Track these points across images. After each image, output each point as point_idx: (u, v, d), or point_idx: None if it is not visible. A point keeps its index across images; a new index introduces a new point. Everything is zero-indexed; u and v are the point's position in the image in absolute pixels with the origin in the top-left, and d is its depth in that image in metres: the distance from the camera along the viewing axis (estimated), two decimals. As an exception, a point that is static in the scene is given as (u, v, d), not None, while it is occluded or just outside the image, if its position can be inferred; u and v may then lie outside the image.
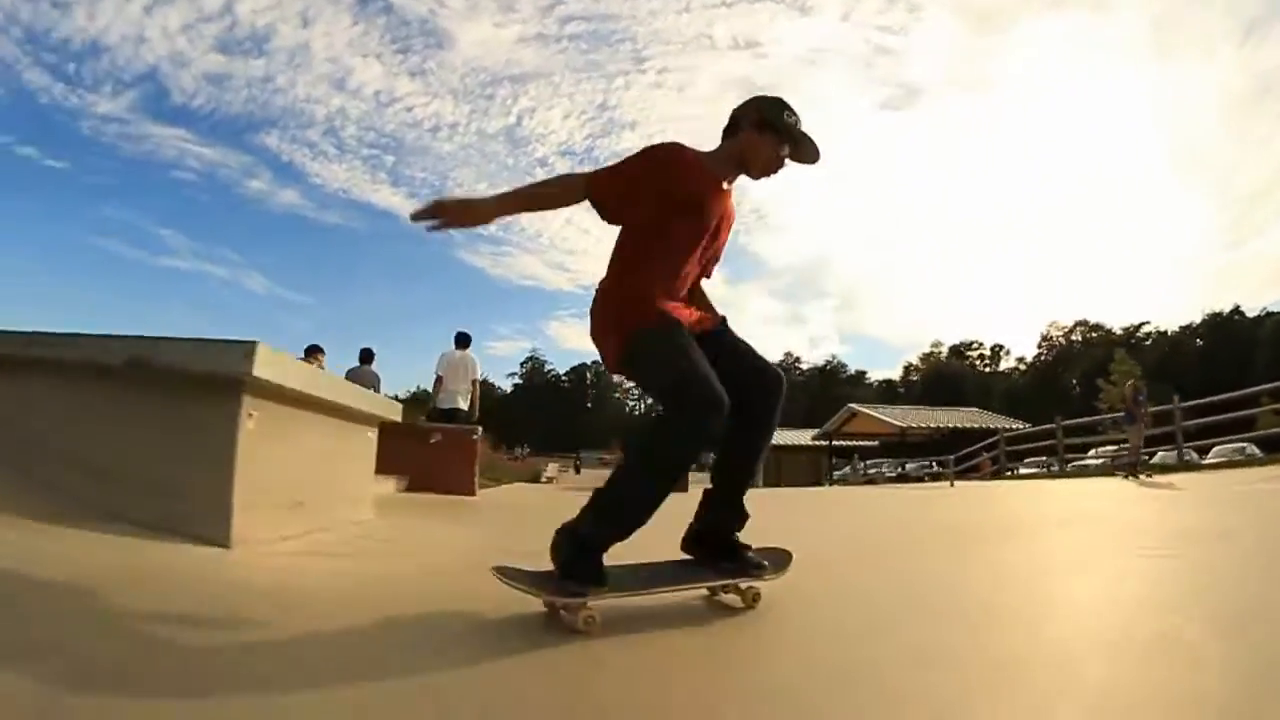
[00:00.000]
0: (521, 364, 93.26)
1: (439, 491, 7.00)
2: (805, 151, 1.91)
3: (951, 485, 11.30)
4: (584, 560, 1.63)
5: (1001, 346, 79.22)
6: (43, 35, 75.79)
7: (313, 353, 7.96)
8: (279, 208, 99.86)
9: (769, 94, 1.92)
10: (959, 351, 79.69)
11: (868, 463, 22.24)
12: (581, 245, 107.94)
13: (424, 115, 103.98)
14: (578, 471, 38.20)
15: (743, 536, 1.92)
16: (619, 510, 1.66)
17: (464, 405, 8.33)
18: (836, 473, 21.03)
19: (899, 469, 21.96)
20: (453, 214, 1.70)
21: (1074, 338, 70.54)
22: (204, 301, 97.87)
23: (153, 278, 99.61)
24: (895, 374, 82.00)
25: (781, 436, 36.87)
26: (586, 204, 1.83)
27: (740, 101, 1.93)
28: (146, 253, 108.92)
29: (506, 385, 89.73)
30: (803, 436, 34.06)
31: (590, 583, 1.60)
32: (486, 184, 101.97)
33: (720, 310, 2.05)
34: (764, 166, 1.88)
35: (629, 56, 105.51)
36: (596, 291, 1.88)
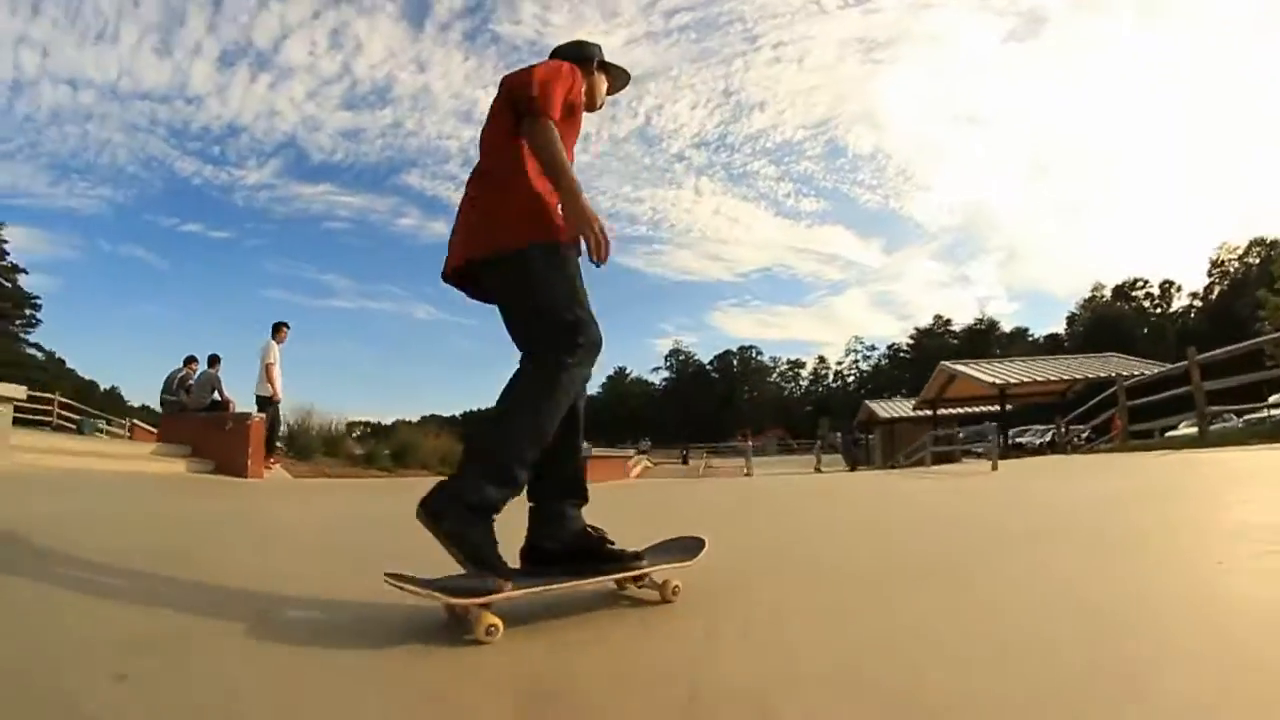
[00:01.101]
0: (666, 358, 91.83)
1: (227, 474, 7.32)
2: (622, 79, 2.05)
3: (994, 468, 7.56)
4: (486, 537, 1.51)
5: (1171, 283, 66.28)
6: (184, 129, 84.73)
7: (189, 362, 9.13)
8: (431, 239, 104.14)
9: (582, 39, 1.98)
10: (1123, 293, 67.70)
11: (1011, 431, 16.94)
12: (733, 234, 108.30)
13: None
14: (685, 463, 35.73)
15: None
16: (507, 465, 1.53)
17: (263, 391, 8.34)
18: (978, 446, 15.51)
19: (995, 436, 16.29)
20: (589, 228, 1.61)
21: (1249, 259, 56.79)
22: (375, 335, 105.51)
23: (322, 319, 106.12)
24: (1061, 327, 70.88)
25: (892, 408, 32.20)
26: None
27: (564, 43, 1.96)
28: (312, 298, 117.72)
29: (656, 380, 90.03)
30: (906, 406, 29.54)
31: (502, 575, 1.46)
32: (629, 187, 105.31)
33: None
34: (601, 102, 2.00)
35: (741, 37, 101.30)
36: (480, 185, 1.76)
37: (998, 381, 19.88)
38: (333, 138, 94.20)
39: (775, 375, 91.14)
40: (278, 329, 8.43)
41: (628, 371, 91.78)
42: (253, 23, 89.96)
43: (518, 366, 1.62)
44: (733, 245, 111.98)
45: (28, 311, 31.07)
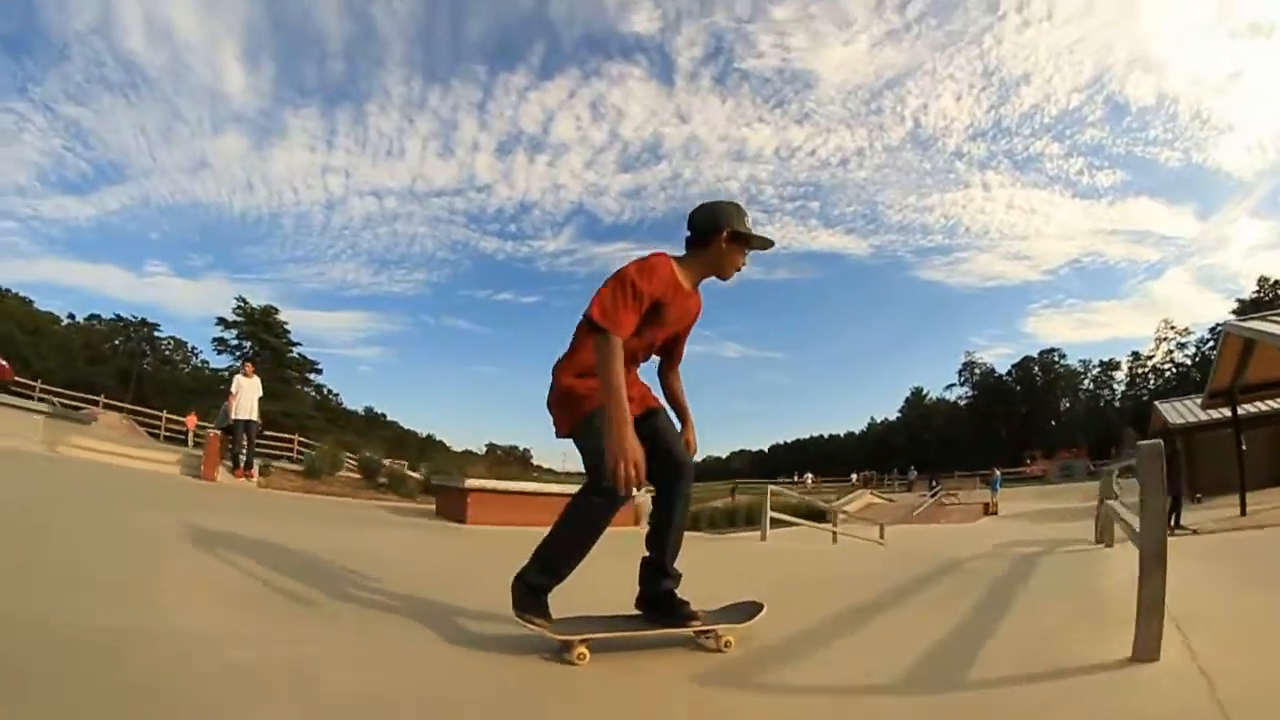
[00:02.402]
0: (960, 373, 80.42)
1: (206, 479, 9.30)
2: (759, 245, 2.38)
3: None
4: (533, 598, 2.20)
5: None
6: (479, 214, 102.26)
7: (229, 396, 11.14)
8: (734, 279, 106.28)
9: (727, 201, 2.38)
10: None
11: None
12: (1031, 227, 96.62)
13: (827, 154, 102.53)
14: (933, 495, 29.83)
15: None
16: (553, 562, 2.22)
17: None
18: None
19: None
20: (620, 457, 1.96)
21: None
22: (689, 374, 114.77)
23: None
24: None
25: (1187, 411, 22.76)
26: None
27: (700, 206, 2.38)
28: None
29: (951, 397, 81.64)
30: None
31: (541, 616, 2.17)
32: (914, 197, 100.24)
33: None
34: (735, 270, 2.38)
35: (982, 9, 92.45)
36: (557, 365, 2.30)
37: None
38: (617, 199, 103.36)
39: (1088, 381, 73.91)
40: (242, 365, 10.85)
41: (925, 393, 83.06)
42: (517, 115, 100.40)
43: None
44: (1034, 239, 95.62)
45: (309, 375, 41.60)
